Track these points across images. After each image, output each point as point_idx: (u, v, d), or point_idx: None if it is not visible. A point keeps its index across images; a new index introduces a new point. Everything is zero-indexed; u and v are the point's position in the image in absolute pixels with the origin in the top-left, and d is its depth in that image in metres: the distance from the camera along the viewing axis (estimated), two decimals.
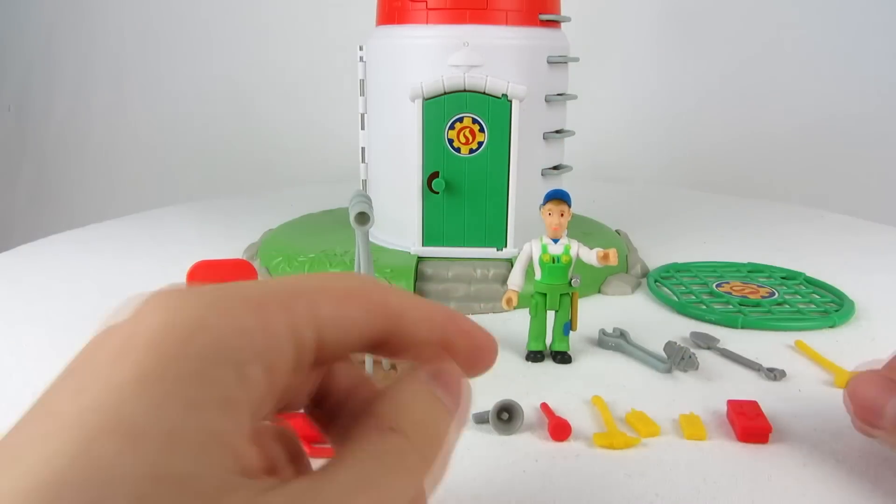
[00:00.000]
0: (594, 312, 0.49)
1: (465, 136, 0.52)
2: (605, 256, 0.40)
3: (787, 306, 0.51)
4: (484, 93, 0.51)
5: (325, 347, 0.18)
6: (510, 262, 0.52)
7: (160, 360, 0.16)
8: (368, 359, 0.38)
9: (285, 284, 0.18)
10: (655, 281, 0.56)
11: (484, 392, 0.38)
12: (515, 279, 0.42)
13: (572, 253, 0.41)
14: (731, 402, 0.35)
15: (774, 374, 0.40)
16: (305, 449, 0.21)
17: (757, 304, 0.51)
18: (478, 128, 0.51)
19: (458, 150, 0.52)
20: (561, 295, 0.42)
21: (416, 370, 0.21)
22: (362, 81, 0.58)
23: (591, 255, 0.41)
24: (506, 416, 0.34)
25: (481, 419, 0.35)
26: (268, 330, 0.17)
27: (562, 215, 0.40)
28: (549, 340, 0.43)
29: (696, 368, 0.40)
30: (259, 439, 0.18)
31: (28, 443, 0.16)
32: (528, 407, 0.37)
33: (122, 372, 0.16)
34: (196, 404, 0.15)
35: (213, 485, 0.15)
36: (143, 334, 0.16)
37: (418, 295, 0.21)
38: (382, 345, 0.20)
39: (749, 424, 0.33)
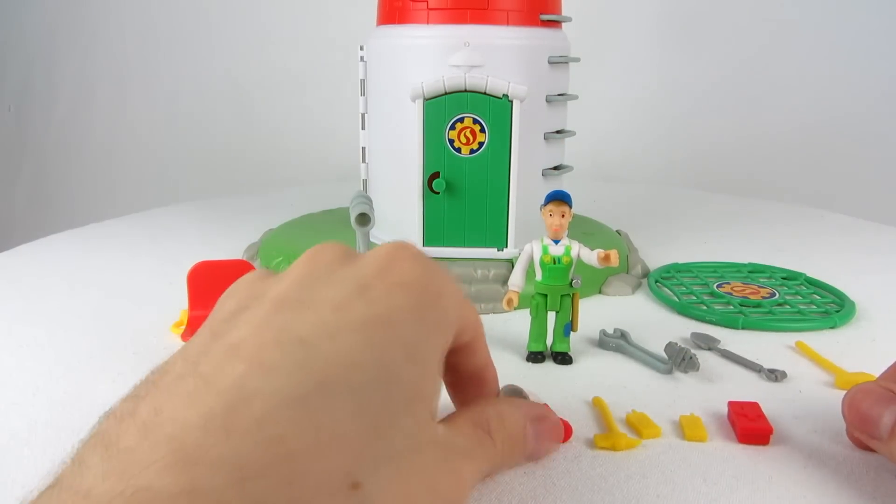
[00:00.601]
0: (595, 313, 0.49)
1: (465, 136, 0.52)
2: (606, 257, 0.40)
3: (788, 307, 0.51)
4: (485, 93, 0.51)
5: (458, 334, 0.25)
6: (511, 263, 0.52)
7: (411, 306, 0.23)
8: None
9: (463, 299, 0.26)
10: (656, 281, 0.56)
11: None
12: (516, 280, 0.42)
13: (573, 254, 0.41)
14: (731, 404, 0.35)
15: (775, 375, 0.40)
16: None
17: (758, 305, 0.51)
18: (478, 128, 0.51)
19: (458, 150, 0.52)
20: (562, 296, 0.41)
21: (529, 404, 0.30)
22: (363, 81, 0.58)
23: (591, 256, 0.41)
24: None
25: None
26: (455, 309, 0.24)
27: (563, 216, 0.40)
28: (549, 341, 0.43)
29: (697, 369, 0.40)
30: None
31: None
32: None
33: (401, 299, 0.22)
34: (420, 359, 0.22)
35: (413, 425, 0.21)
36: (397, 276, 0.23)
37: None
38: (459, 355, 0.27)
39: (750, 426, 0.33)
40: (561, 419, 0.34)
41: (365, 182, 0.61)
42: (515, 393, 0.35)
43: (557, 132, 0.56)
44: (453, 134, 0.52)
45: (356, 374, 0.19)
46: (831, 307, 0.51)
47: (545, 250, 0.41)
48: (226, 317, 0.22)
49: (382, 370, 0.20)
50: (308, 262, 0.24)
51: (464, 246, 0.54)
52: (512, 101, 0.51)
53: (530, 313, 0.42)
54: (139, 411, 0.18)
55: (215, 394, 0.18)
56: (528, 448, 0.28)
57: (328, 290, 0.22)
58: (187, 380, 0.19)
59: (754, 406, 0.35)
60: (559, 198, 0.40)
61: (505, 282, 0.51)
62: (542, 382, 0.40)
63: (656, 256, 0.63)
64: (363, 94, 0.58)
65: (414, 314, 0.22)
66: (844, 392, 0.38)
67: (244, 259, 0.57)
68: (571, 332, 0.42)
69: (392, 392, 0.20)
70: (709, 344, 0.44)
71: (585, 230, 0.65)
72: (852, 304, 0.51)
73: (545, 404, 0.31)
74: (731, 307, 0.51)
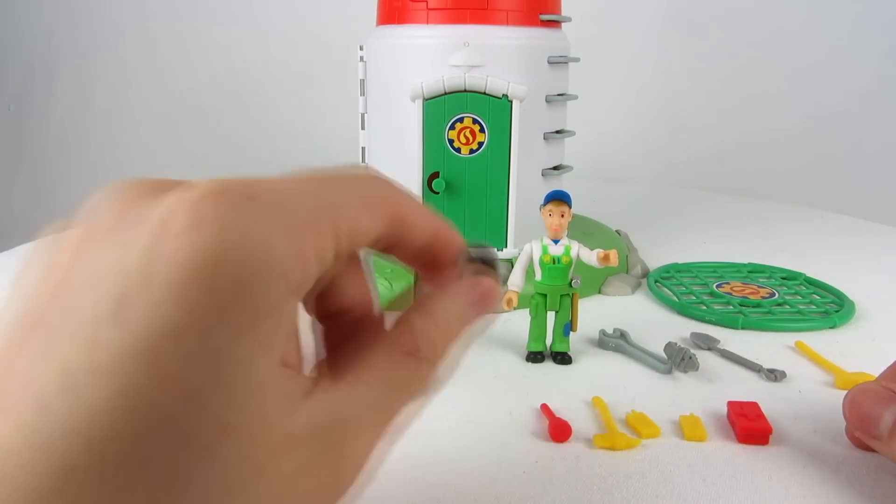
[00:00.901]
0: (594, 313, 0.49)
1: (465, 136, 0.52)
2: (606, 257, 0.40)
3: (788, 307, 0.51)
4: (484, 93, 0.51)
5: (340, 255, 0.19)
6: (510, 263, 0.52)
7: (198, 296, 0.15)
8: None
9: (311, 199, 0.18)
10: (656, 281, 0.56)
11: (484, 393, 0.38)
12: (515, 280, 0.42)
13: (573, 254, 0.41)
14: (731, 404, 0.35)
15: (775, 375, 0.40)
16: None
17: (757, 305, 0.51)
18: (478, 128, 0.51)
19: (458, 150, 0.52)
20: (561, 296, 0.41)
21: (452, 285, 0.22)
22: (362, 81, 0.58)
23: (591, 256, 0.41)
24: None
25: None
26: (300, 255, 0.17)
27: (562, 216, 0.40)
28: (549, 341, 0.43)
29: (697, 369, 0.40)
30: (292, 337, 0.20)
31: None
32: (528, 408, 0.37)
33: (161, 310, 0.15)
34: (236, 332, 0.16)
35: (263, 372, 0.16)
36: (183, 264, 0.15)
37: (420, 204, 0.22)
38: (384, 249, 0.21)
39: (749, 426, 0.33)
40: (560, 419, 0.34)
41: None
42: (482, 256, 0.26)
43: (557, 132, 0.56)
44: (453, 134, 0.52)
45: (113, 447, 0.14)
46: (831, 307, 0.51)
47: (545, 250, 0.41)
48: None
49: (150, 432, 0.15)
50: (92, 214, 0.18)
51: None
52: (511, 101, 0.51)
53: (530, 313, 0.42)
54: None
55: None
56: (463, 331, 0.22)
57: (86, 296, 0.16)
58: None
59: (754, 406, 0.35)
60: (559, 198, 0.40)
61: (504, 282, 0.51)
62: (542, 382, 0.40)
63: (656, 256, 0.63)
64: (363, 94, 0.58)
65: (195, 328, 0.15)
66: (844, 392, 0.38)
67: None
68: (571, 332, 0.42)
69: (178, 448, 0.15)
70: (708, 344, 0.44)
71: (585, 230, 0.65)
72: (852, 304, 0.51)
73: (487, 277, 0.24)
74: (731, 307, 0.51)
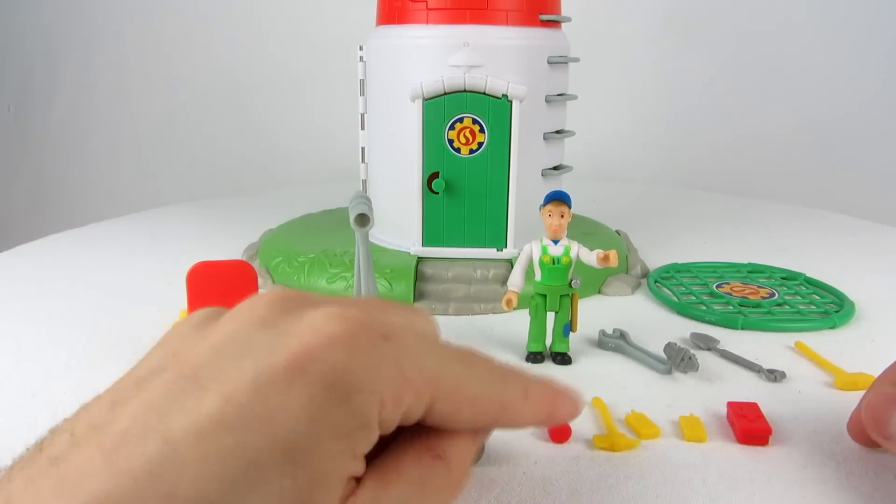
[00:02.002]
0: (594, 313, 0.49)
1: (465, 136, 0.52)
2: (605, 258, 0.40)
3: (788, 307, 0.51)
4: (484, 93, 0.51)
5: (412, 418, 0.21)
6: (510, 263, 0.52)
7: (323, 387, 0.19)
8: None
9: (429, 365, 0.21)
10: (655, 281, 0.56)
11: None
12: (515, 280, 0.42)
13: (572, 254, 0.41)
14: (731, 404, 0.35)
15: (774, 376, 0.40)
16: None
17: (757, 305, 0.51)
18: (478, 128, 0.51)
19: (458, 150, 0.52)
20: (561, 296, 0.41)
21: None
22: (362, 81, 0.58)
23: (591, 257, 0.41)
24: None
25: None
26: (396, 401, 0.20)
27: (562, 216, 0.40)
28: (548, 341, 0.43)
29: (697, 370, 0.40)
30: None
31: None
32: None
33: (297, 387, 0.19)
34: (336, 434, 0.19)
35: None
36: (317, 367, 0.19)
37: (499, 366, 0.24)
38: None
39: (749, 427, 0.33)
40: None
41: (364, 182, 0.61)
42: None
43: (557, 132, 0.56)
44: (453, 134, 0.52)
45: (212, 486, 0.17)
46: (831, 307, 0.51)
47: (544, 250, 0.41)
48: (129, 385, 0.20)
49: (245, 481, 0.17)
50: (234, 318, 0.21)
51: (463, 246, 0.54)
52: (511, 101, 0.51)
53: (529, 313, 0.42)
54: None
55: None
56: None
57: (229, 372, 0.19)
58: (44, 477, 0.17)
59: (753, 406, 0.35)
60: (558, 198, 0.40)
61: (504, 282, 0.51)
62: None
63: (656, 257, 0.63)
64: (362, 94, 0.58)
65: (306, 414, 0.19)
66: (844, 392, 0.38)
67: (244, 259, 0.57)
68: (571, 333, 0.42)
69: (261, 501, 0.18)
70: (708, 344, 0.44)
71: (585, 230, 0.65)
72: (852, 304, 0.51)
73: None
74: (731, 307, 0.51)
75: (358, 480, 0.20)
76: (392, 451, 0.22)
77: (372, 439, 0.20)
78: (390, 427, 0.20)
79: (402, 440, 0.22)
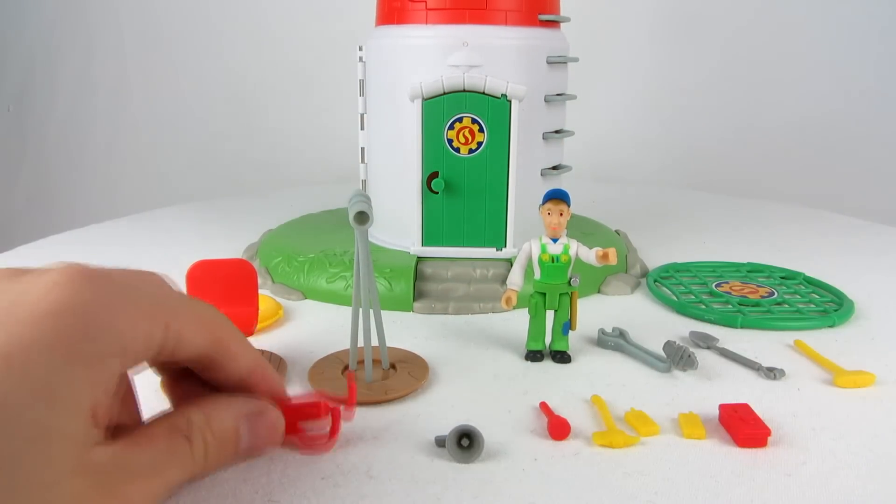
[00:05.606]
0: (593, 312, 0.49)
1: (464, 136, 0.52)
2: (605, 256, 0.40)
3: (787, 306, 0.51)
4: (483, 93, 0.51)
5: (164, 351, 0.25)
6: (509, 262, 0.52)
7: (55, 328, 0.22)
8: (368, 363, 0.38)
9: (157, 297, 0.25)
10: (655, 281, 0.56)
11: (484, 393, 0.39)
12: (515, 279, 0.42)
13: (571, 252, 0.41)
14: (723, 407, 0.35)
15: (774, 374, 0.40)
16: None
17: (756, 304, 0.51)
18: (477, 128, 0.51)
19: (457, 150, 0.52)
20: (560, 294, 0.42)
21: (245, 400, 0.28)
22: (362, 81, 0.58)
23: (590, 255, 0.41)
24: (466, 442, 0.32)
25: (440, 443, 0.33)
26: (132, 330, 0.23)
27: (561, 215, 0.40)
28: (548, 340, 0.43)
29: (696, 368, 0.40)
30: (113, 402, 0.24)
31: None
32: (528, 406, 0.37)
33: (24, 327, 0.21)
34: (72, 364, 0.22)
35: (59, 426, 0.21)
36: (47, 304, 0.22)
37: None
38: (206, 366, 0.27)
39: (750, 432, 0.33)
40: (560, 417, 0.34)
41: (364, 182, 0.61)
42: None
43: (556, 132, 0.56)
44: (452, 134, 0.52)
45: None
46: (830, 306, 0.51)
47: (543, 249, 0.41)
48: None
49: None
50: None
51: (463, 245, 0.54)
52: (510, 101, 0.51)
53: (529, 312, 0.42)
54: None
55: None
56: (240, 446, 0.27)
57: None
58: None
59: (746, 408, 0.35)
60: (557, 196, 0.40)
61: (503, 281, 0.51)
62: (541, 381, 0.40)
63: (655, 256, 0.63)
64: (362, 94, 0.58)
65: (52, 349, 0.21)
66: (843, 390, 0.38)
67: (244, 258, 0.57)
68: (570, 331, 0.43)
69: (11, 434, 0.20)
70: (707, 342, 0.44)
71: (584, 230, 0.65)
72: (851, 302, 0.51)
73: (276, 398, 0.30)
74: (730, 306, 0.51)
75: (115, 436, 0.23)
76: (155, 422, 0.25)
77: (114, 368, 0.23)
78: (140, 358, 0.24)
79: (169, 417, 0.26)
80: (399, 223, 0.55)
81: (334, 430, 0.32)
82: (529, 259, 0.42)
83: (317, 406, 0.31)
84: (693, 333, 0.46)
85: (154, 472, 0.24)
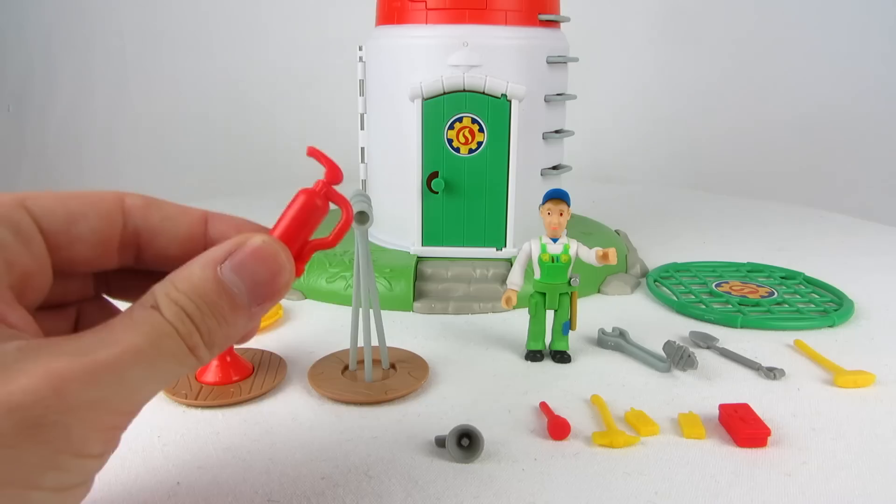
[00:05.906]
0: (593, 312, 0.49)
1: (464, 136, 0.52)
2: (605, 256, 0.40)
3: (787, 306, 0.51)
4: (483, 93, 0.51)
5: (57, 236, 0.24)
6: (509, 262, 0.52)
7: None
8: (367, 361, 0.38)
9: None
10: (655, 281, 0.56)
11: (484, 392, 0.39)
12: (515, 279, 0.42)
13: (571, 252, 0.41)
14: (723, 407, 0.35)
15: (774, 374, 0.40)
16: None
17: (756, 304, 0.51)
18: (477, 128, 0.51)
19: (457, 150, 0.52)
20: (560, 294, 0.42)
21: (216, 247, 0.23)
22: (362, 81, 0.58)
23: (590, 255, 0.41)
24: (466, 442, 0.32)
25: (440, 443, 0.33)
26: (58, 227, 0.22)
27: (561, 214, 0.40)
28: (548, 340, 0.43)
29: (696, 368, 0.40)
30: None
31: None
32: (528, 406, 0.37)
33: None
34: None
35: None
36: None
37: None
38: (140, 246, 0.25)
39: (750, 432, 0.33)
40: (560, 417, 0.34)
41: (364, 182, 0.61)
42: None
43: (556, 132, 0.56)
44: (452, 134, 0.52)
45: None
46: (830, 306, 0.51)
47: (543, 249, 0.41)
48: None
49: None
50: None
51: (463, 245, 0.54)
52: (510, 101, 0.51)
53: (529, 312, 0.42)
54: None
55: None
56: (238, 298, 0.22)
57: None
58: None
59: (746, 408, 0.35)
60: (557, 196, 0.40)
61: (504, 281, 0.51)
62: (541, 381, 0.40)
63: (655, 256, 0.63)
64: (362, 94, 0.58)
65: None
66: (843, 390, 0.38)
67: None
68: (570, 331, 0.43)
69: None
70: (707, 342, 0.44)
71: (584, 230, 0.65)
72: (851, 302, 0.51)
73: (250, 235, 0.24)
74: (730, 306, 0.51)
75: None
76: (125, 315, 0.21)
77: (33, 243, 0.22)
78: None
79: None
80: (399, 223, 0.55)
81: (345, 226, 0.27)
82: (529, 259, 0.42)
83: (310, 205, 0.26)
84: (693, 333, 0.46)
85: (107, 348, 0.19)
